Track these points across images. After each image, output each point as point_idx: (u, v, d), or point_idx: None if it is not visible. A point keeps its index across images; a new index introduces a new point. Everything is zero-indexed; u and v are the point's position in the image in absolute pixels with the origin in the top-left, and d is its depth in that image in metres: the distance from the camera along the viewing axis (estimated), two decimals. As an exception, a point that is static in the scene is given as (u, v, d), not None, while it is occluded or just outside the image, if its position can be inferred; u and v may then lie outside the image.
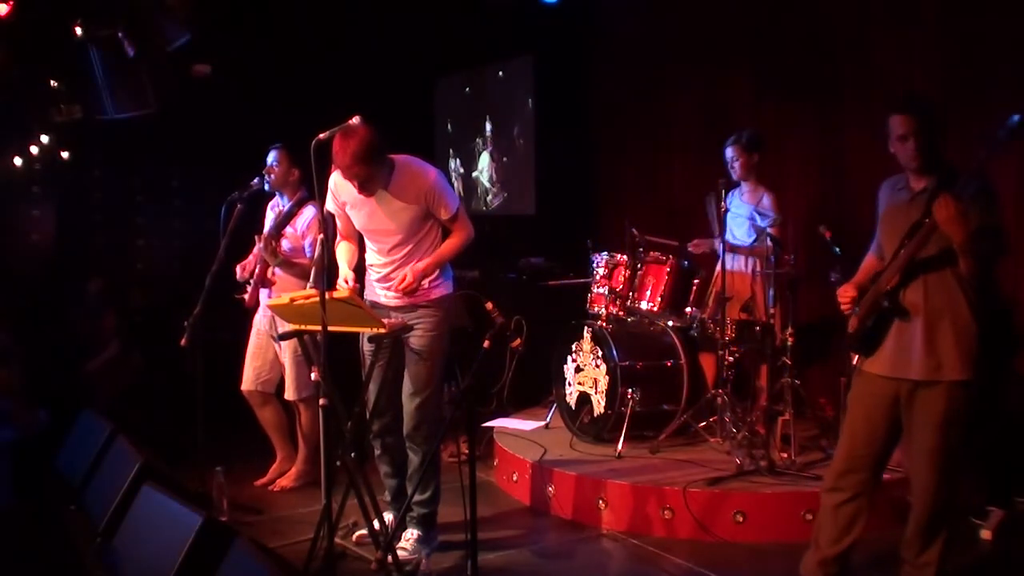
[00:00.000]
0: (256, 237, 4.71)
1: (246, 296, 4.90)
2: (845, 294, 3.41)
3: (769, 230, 4.84)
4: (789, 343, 4.77)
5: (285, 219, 4.90)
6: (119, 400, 6.22)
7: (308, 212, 4.89)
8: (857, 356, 3.42)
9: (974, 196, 3.11)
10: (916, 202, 3.24)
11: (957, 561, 3.83)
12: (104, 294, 6.67)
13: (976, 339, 3.21)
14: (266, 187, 4.88)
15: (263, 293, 4.88)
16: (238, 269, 4.91)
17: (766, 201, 5.14)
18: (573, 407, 5.32)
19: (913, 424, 3.28)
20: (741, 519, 4.24)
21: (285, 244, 4.82)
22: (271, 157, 4.92)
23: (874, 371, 3.35)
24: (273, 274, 4.82)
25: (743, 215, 5.12)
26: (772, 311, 4.91)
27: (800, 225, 5.16)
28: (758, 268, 5.08)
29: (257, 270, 4.84)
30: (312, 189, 4.72)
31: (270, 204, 5.10)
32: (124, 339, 6.53)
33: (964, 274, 3.15)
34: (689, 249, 5.40)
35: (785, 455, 4.67)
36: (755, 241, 4.98)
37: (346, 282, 3.88)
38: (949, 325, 3.20)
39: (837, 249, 4.57)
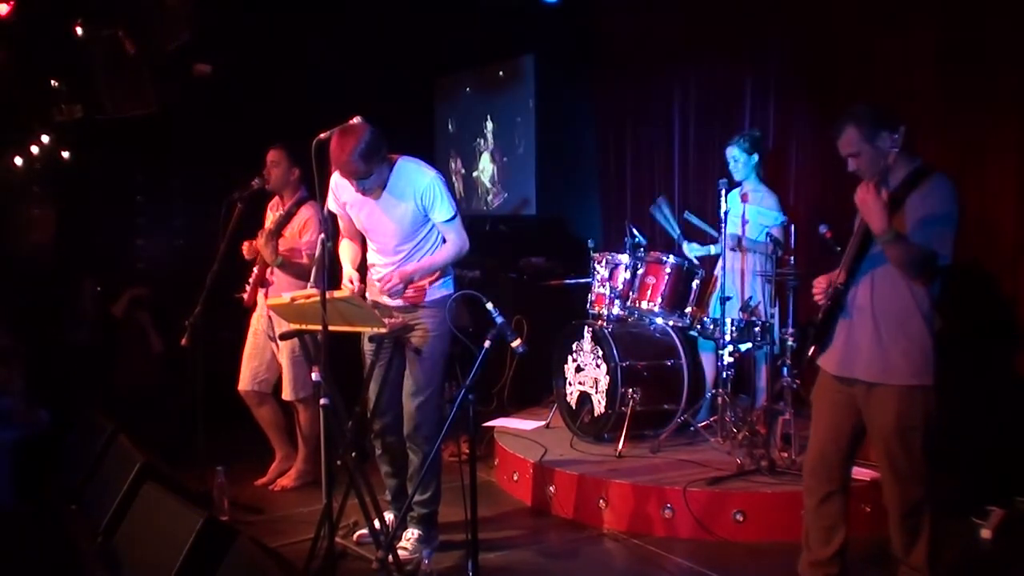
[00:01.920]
0: (259, 232, 4.71)
1: (245, 295, 4.90)
2: (818, 284, 3.39)
3: (774, 231, 4.85)
4: (789, 343, 4.77)
5: (285, 219, 4.89)
6: (138, 370, 6.33)
7: (305, 212, 4.89)
8: (813, 349, 3.40)
9: (919, 196, 3.09)
10: None
11: (958, 561, 3.84)
12: (96, 292, 6.72)
13: (930, 342, 3.18)
14: (267, 187, 4.88)
15: (261, 293, 4.88)
16: (244, 245, 4.88)
17: (768, 201, 5.15)
18: (574, 407, 5.32)
19: (871, 427, 3.26)
20: (742, 518, 4.25)
21: (282, 245, 4.82)
22: (270, 157, 4.91)
23: (827, 368, 3.35)
24: (271, 273, 4.82)
25: (743, 216, 5.11)
26: (772, 311, 4.92)
27: (800, 225, 5.16)
28: (758, 268, 5.08)
29: (256, 270, 4.84)
30: (312, 189, 4.73)
31: (270, 204, 5.10)
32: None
33: (894, 267, 3.12)
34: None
35: (785, 455, 4.67)
36: (758, 240, 4.98)
37: (351, 282, 3.88)
38: (898, 326, 3.17)
39: (838, 248, 4.56)
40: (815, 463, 3.40)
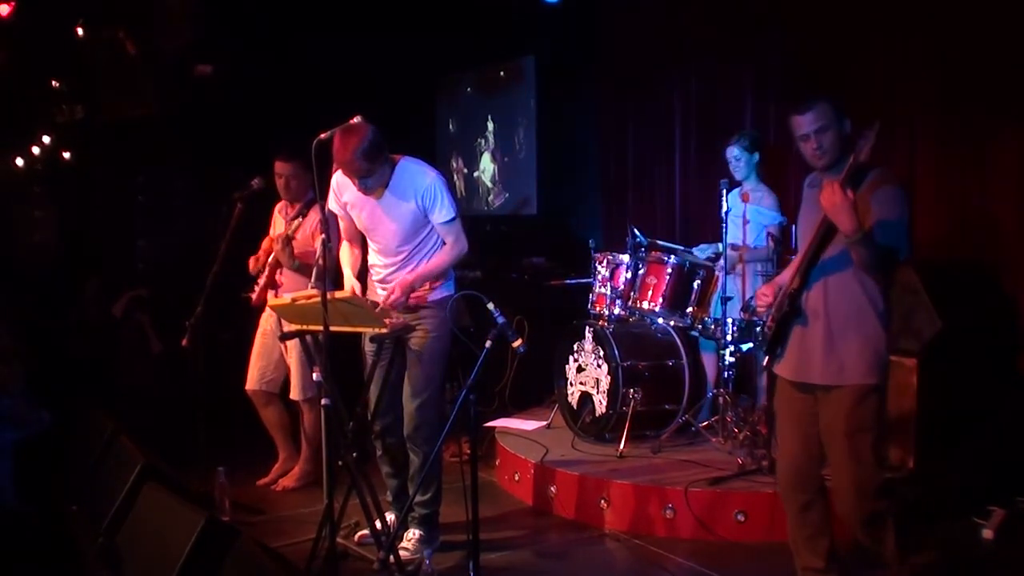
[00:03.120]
0: (264, 241, 4.71)
1: (253, 295, 4.90)
2: (763, 296, 3.37)
3: (773, 230, 4.85)
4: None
5: (297, 224, 4.89)
6: (138, 371, 6.34)
7: (315, 215, 4.88)
8: (768, 358, 3.37)
9: (876, 196, 3.05)
10: None
11: (959, 561, 3.84)
12: (101, 292, 6.73)
13: (884, 341, 3.16)
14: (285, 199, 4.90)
15: (270, 294, 4.88)
16: (251, 262, 4.91)
17: (768, 201, 5.14)
18: (575, 407, 5.32)
19: (826, 430, 3.23)
20: (743, 518, 4.24)
21: (296, 248, 4.81)
22: (286, 171, 4.88)
23: (783, 375, 3.33)
24: (281, 275, 4.82)
25: (744, 216, 5.11)
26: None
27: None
28: (759, 268, 5.08)
29: (266, 272, 4.84)
30: (315, 190, 4.73)
31: (277, 208, 5.10)
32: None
33: (857, 268, 3.08)
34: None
35: (787, 455, 4.66)
36: (758, 245, 4.99)
37: (352, 291, 3.88)
38: (853, 329, 3.14)
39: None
40: (789, 475, 3.36)
